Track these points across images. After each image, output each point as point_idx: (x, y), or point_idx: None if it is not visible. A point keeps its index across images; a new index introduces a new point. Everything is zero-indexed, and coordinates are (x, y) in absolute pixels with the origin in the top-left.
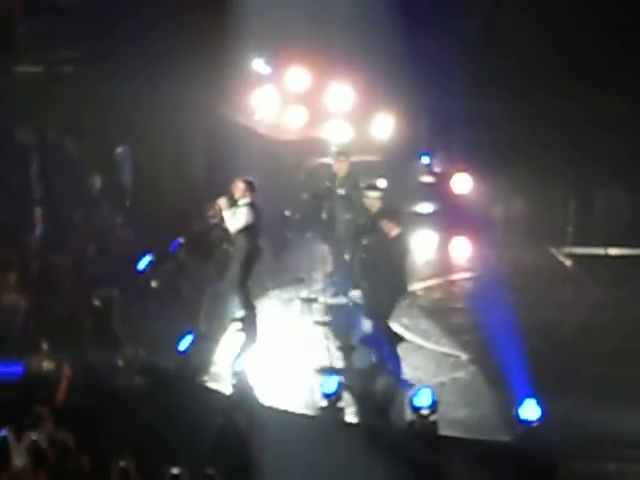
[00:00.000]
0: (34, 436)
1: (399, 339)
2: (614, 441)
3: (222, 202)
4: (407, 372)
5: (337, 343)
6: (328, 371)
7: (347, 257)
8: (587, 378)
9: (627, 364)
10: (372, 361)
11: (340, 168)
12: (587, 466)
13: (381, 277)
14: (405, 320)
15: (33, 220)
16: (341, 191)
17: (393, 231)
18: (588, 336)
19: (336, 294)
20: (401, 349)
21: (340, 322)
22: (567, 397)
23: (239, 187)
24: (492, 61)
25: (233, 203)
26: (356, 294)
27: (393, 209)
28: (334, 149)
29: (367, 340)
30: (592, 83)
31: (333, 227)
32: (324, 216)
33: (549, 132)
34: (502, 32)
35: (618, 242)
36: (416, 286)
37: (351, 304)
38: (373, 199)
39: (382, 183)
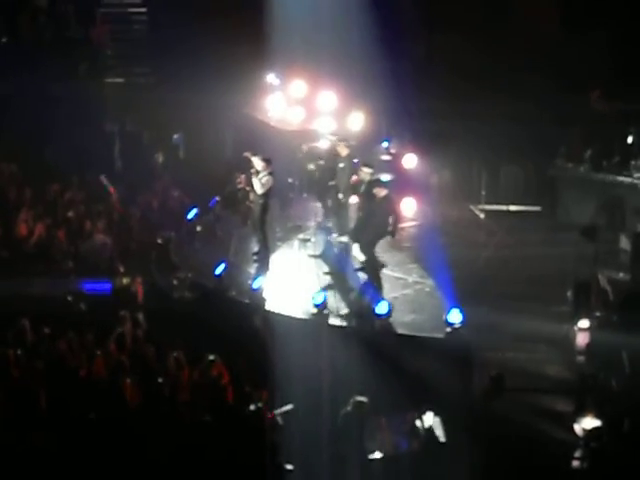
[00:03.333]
0: (119, 330)
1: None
2: (512, 337)
3: (257, 163)
4: (371, 290)
5: (325, 269)
6: (318, 287)
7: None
8: (494, 294)
9: (521, 285)
10: (350, 282)
11: (342, 150)
12: (493, 355)
13: (374, 221)
14: None
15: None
16: (342, 165)
17: (382, 193)
18: (495, 265)
19: (326, 235)
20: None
21: (328, 254)
22: (480, 307)
23: (262, 163)
24: (432, 72)
25: (257, 173)
26: (341, 236)
27: (381, 179)
28: (336, 138)
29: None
30: (500, 89)
31: (324, 191)
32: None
33: (470, 125)
34: (440, 50)
35: (515, 201)
36: None
37: (336, 242)
38: (364, 172)
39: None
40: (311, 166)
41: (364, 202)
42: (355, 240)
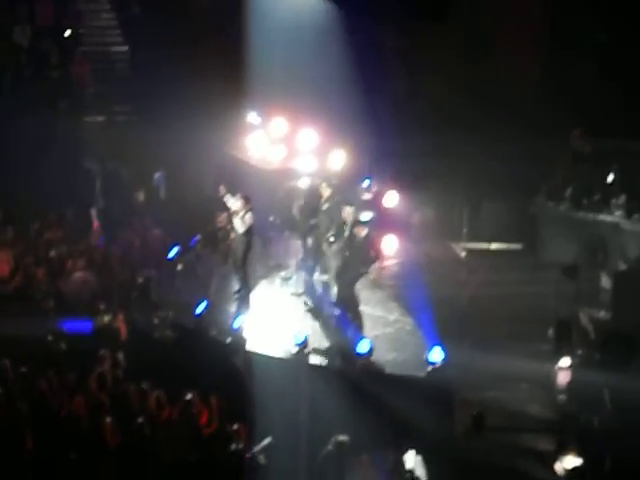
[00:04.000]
0: (99, 369)
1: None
2: (493, 376)
3: (235, 204)
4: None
5: (306, 308)
6: (299, 326)
7: (323, 248)
8: (476, 333)
9: (503, 323)
10: (331, 321)
11: (324, 190)
12: (474, 394)
13: (355, 260)
14: None
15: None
16: (325, 206)
17: (362, 232)
18: (476, 304)
19: (307, 274)
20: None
21: (309, 293)
22: (461, 346)
23: (242, 201)
24: (413, 110)
25: (236, 213)
26: (322, 275)
27: (362, 219)
28: (320, 179)
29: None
30: (481, 127)
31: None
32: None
33: (451, 163)
34: (421, 88)
35: (496, 239)
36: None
37: (317, 281)
38: (348, 211)
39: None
40: (293, 205)
41: (346, 242)
42: (337, 279)
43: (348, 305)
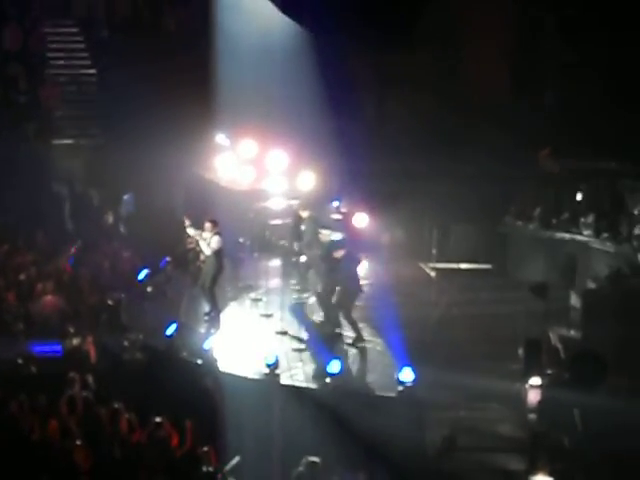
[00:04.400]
0: (69, 392)
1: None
2: (464, 396)
3: (198, 233)
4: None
5: (276, 328)
6: (269, 348)
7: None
8: (446, 353)
9: (473, 343)
10: (302, 341)
11: (303, 212)
12: (445, 414)
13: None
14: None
15: (65, 245)
16: (303, 227)
17: (340, 254)
18: (446, 324)
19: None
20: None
21: (282, 314)
22: (432, 366)
23: (209, 225)
24: (381, 135)
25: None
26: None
27: (340, 242)
28: (299, 202)
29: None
30: (450, 149)
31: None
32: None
33: (420, 184)
34: (391, 111)
35: (466, 259)
36: None
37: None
38: (325, 235)
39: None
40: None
41: (323, 263)
42: (320, 301)
43: (324, 325)
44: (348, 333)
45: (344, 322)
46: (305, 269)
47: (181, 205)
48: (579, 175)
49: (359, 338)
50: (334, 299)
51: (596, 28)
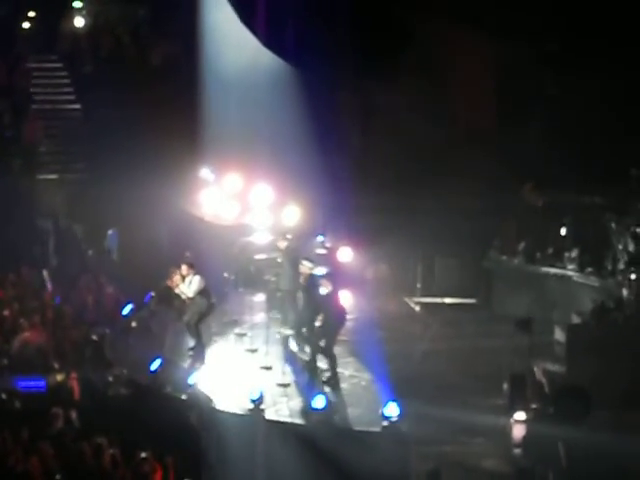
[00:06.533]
0: (53, 428)
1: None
2: (449, 430)
3: (177, 279)
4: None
5: (261, 364)
6: (253, 383)
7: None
8: (431, 387)
9: (458, 377)
10: (287, 376)
11: (281, 244)
12: (430, 448)
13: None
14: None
15: (49, 281)
16: (280, 260)
17: (328, 287)
18: (431, 358)
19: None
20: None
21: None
22: (417, 400)
23: (185, 268)
24: (366, 169)
25: (184, 278)
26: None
27: (328, 275)
28: (280, 235)
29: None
30: (434, 183)
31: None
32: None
33: (405, 218)
34: (373, 148)
35: (450, 293)
36: None
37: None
38: (305, 266)
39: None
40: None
41: (306, 296)
42: (299, 334)
43: (309, 360)
44: (324, 367)
45: (322, 356)
46: (282, 302)
47: (165, 240)
48: (563, 209)
49: (334, 375)
50: (315, 332)
51: (579, 61)
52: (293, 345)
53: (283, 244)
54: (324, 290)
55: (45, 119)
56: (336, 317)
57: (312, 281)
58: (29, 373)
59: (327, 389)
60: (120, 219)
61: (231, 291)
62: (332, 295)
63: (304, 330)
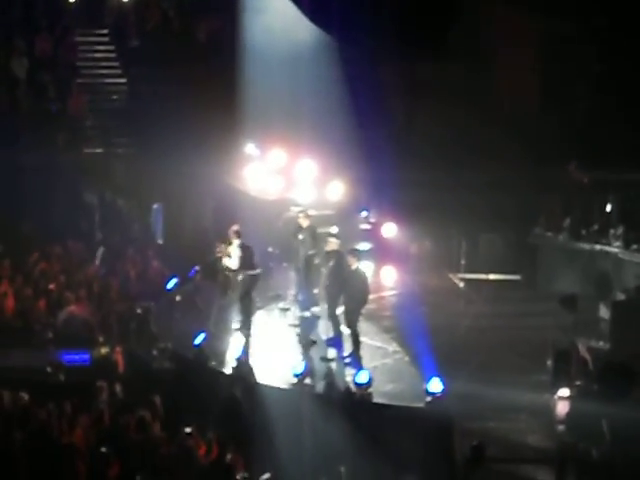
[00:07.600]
0: (97, 401)
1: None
2: (492, 407)
3: (224, 247)
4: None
5: (303, 340)
6: (298, 357)
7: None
8: (474, 363)
9: (501, 354)
10: (330, 351)
11: (303, 221)
12: (473, 424)
13: (348, 295)
14: None
15: (95, 254)
16: (303, 237)
17: (354, 264)
18: (474, 335)
19: (302, 309)
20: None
21: (305, 326)
22: (460, 376)
23: (233, 233)
24: (410, 145)
25: (229, 246)
26: (315, 309)
27: (355, 249)
28: (299, 209)
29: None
30: (479, 159)
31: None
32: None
33: (449, 194)
34: (419, 120)
35: (495, 270)
36: None
37: (312, 315)
38: (332, 242)
39: (335, 229)
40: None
41: (333, 272)
42: (330, 310)
43: (349, 335)
44: (374, 342)
45: (346, 331)
46: (309, 278)
47: (210, 215)
48: (609, 186)
49: (356, 350)
50: (340, 308)
51: (626, 39)
52: (335, 321)
53: (305, 221)
54: (352, 266)
55: (90, 93)
56: (361, 294)
57: (338, 257)
58: (74, 346)
59: (381, 363)
60: (165, 194)
61: (275, 266)
62: (357, 271)
63: (332, 307)
